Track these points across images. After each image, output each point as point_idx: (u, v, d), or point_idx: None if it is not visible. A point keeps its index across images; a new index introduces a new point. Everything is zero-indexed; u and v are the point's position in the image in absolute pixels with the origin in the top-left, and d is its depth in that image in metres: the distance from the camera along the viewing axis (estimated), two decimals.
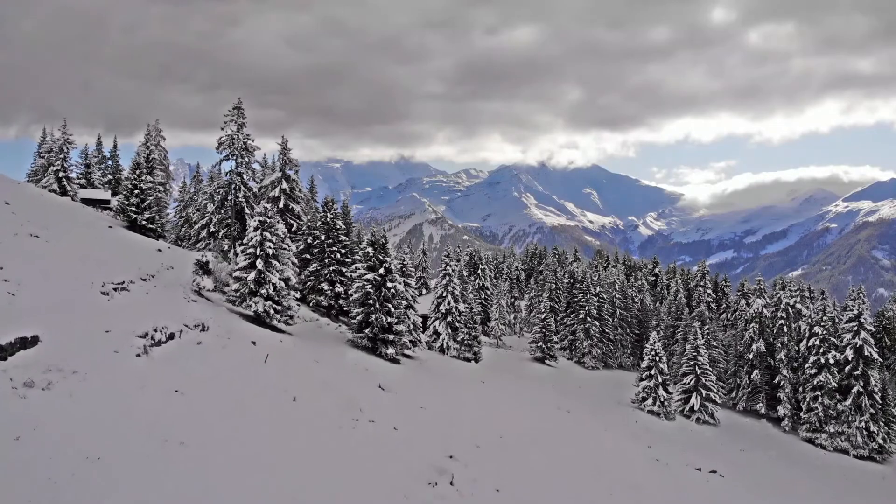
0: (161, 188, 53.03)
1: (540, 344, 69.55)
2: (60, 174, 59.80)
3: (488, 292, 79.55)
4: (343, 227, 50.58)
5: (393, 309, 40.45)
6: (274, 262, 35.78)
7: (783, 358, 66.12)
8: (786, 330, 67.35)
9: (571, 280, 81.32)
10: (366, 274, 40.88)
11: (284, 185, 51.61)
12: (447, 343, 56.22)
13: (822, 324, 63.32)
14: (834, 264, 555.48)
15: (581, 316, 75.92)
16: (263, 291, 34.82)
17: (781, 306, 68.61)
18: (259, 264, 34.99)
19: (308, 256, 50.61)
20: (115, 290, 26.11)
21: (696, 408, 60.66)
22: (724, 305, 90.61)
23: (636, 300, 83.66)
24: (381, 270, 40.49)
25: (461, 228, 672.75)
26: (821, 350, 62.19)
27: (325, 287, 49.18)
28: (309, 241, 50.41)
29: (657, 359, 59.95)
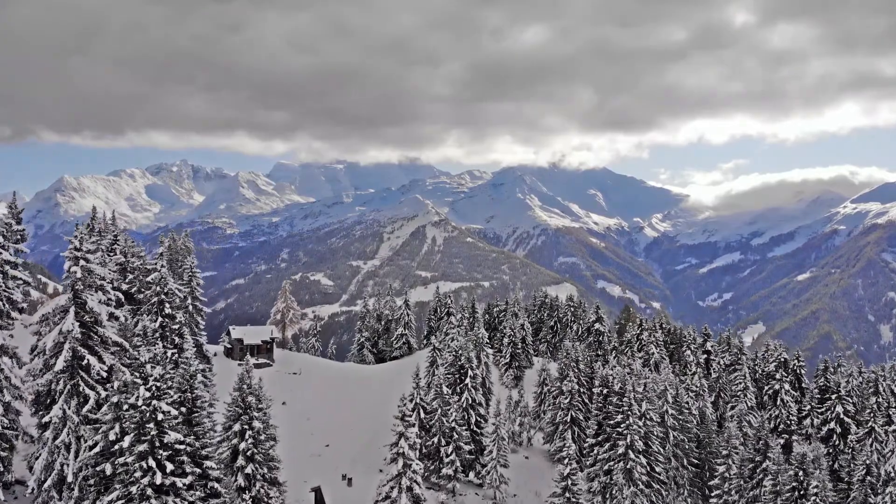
0: None
1: None
2: None
3: (481, 410, 54.15)
4: (174, 412, 24.99)
5: None
6: None
7: None
8: None
9: (604, 390, 55.80)
10: None
11: (71, 324, 26.11)
12: None
13: None
14: (843, 267, 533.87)
15: (620, 451, 50.68)
16: None
17: None
18: None
19: (109, 471, 25.19)
20: None
21: None
22: (809, 407, 65.05)
23: (694, 411, 58.28)
24: None
25: (464, 230, 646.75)
26: None
27: None
28: (113, 437, 24.99)
29: None
